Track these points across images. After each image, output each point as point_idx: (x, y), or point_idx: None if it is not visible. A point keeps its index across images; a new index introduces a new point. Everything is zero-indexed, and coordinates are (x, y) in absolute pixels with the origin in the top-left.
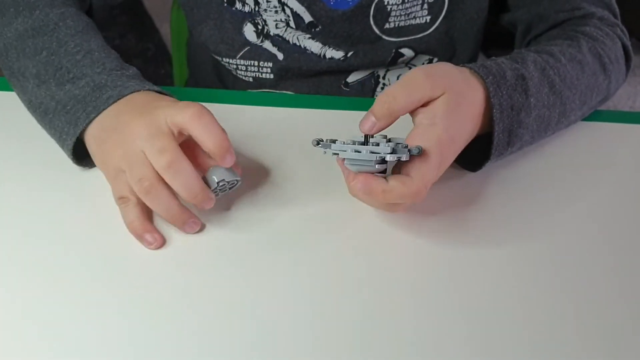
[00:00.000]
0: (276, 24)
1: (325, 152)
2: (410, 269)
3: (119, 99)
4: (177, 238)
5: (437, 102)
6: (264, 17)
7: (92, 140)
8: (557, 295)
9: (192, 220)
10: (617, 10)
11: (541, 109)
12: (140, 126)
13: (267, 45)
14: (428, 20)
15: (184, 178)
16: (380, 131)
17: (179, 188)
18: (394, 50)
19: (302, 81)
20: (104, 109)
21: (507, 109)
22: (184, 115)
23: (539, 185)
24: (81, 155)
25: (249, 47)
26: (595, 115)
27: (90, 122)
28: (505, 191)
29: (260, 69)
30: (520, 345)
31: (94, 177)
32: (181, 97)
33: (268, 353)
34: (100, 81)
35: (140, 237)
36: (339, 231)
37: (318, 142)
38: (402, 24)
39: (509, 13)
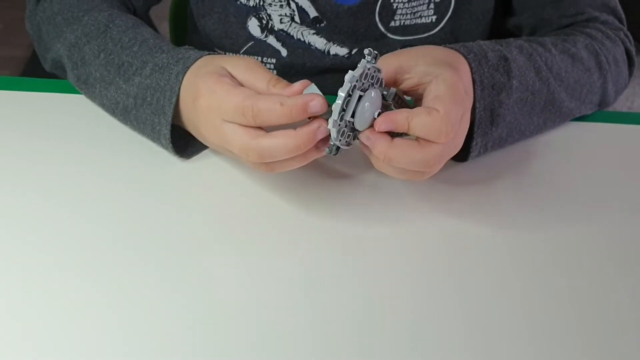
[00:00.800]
0: (281, 19)
1: (334, 149)
2: (410, 267)
3: (185, 73)
4: (176, 236)
5: (426, 65)
6: (269, 11)
7: (190, 127)
8: (556, 295)
9: (316, 128)
10: (623, 15)
11: (524, 93)
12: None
13: (271, 40)
14: (434, 20)
15: (278, 152)
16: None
17: (286, 157)
18: (398, 49)
19: (306, 79)
20: (178, 88)
21: (488, 87)
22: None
23: (537, 185)
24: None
25: (252, 42)
26: (594, 116)
27: (174, 106)
28: (504, 191)
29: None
30: (520, 342)
31: (94, 176)
32: None
33: (268, 353)
34: (163, 62)
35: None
36: (337, 229)
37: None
38: (407, 22)
39: (514, 17)
